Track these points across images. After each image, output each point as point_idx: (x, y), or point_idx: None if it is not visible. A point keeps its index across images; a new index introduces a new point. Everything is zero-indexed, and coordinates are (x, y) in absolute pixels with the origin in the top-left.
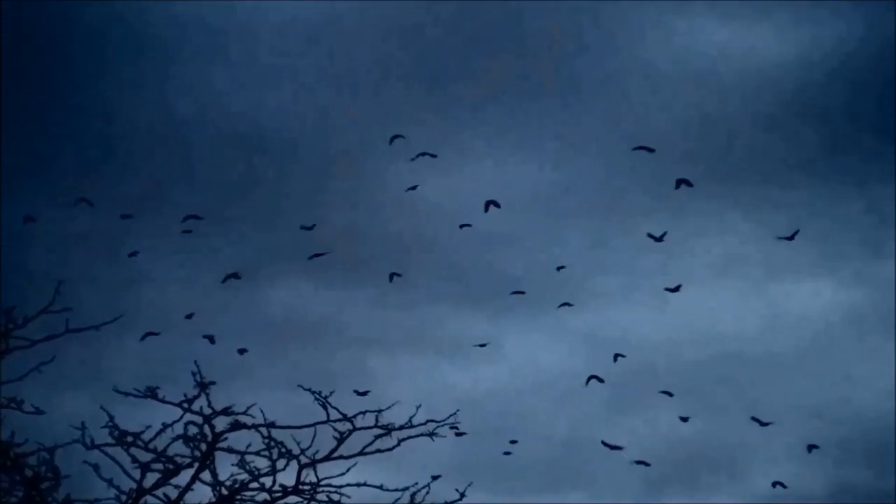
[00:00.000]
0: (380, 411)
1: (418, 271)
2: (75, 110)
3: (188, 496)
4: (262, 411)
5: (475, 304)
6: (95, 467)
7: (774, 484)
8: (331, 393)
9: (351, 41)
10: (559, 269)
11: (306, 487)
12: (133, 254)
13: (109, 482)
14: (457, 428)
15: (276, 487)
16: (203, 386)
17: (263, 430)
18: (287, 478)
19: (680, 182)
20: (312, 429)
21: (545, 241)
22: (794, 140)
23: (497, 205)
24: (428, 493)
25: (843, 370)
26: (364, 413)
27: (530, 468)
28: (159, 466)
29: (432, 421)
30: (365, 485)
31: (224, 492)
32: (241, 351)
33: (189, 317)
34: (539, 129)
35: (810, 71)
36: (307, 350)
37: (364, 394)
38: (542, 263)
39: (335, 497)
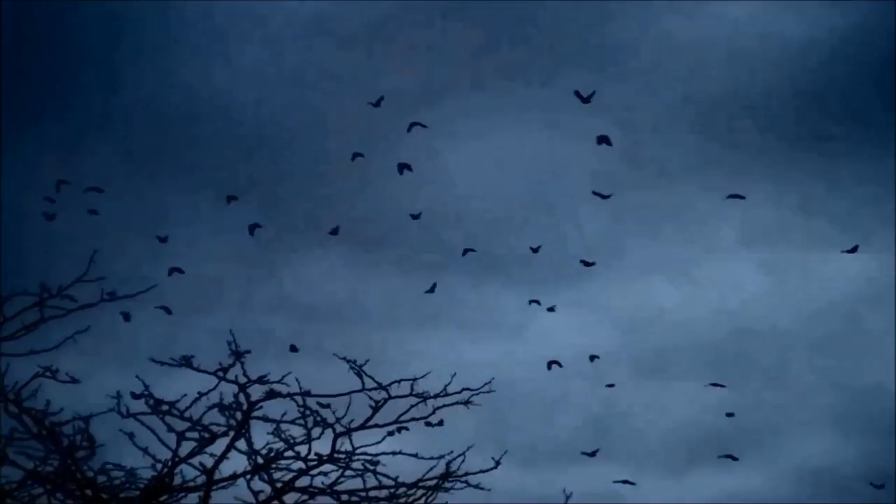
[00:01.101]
0: (415, 380)
1: (439, 251)
2: (76, 100)
3: (223, 465)
4: (297, 380)
5: (496, 282)
6: (131, 436)
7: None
8: (366, 362)
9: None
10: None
11: (342, 456)
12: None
13: (145, 451)
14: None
15: (312, 456)
16: (238, 355)
17: (299, 398)
18: (322, 446)
19: (600, 140)
20: (347, 397)
21: (565, 219)
22: (815, 115)
23: (409, 167)
24: (463, 461)
25: (865, 344)
26: (399, 382)
27: (556, 442)
28: (195, 435)
29: (467, 389)
30: (400, 453)
31: (259, 460)
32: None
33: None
34: (554, 106)
35: (833, 45)
36: (327, 330)
37: (295, 349)
38: (561, 240)
39: (370, 465)
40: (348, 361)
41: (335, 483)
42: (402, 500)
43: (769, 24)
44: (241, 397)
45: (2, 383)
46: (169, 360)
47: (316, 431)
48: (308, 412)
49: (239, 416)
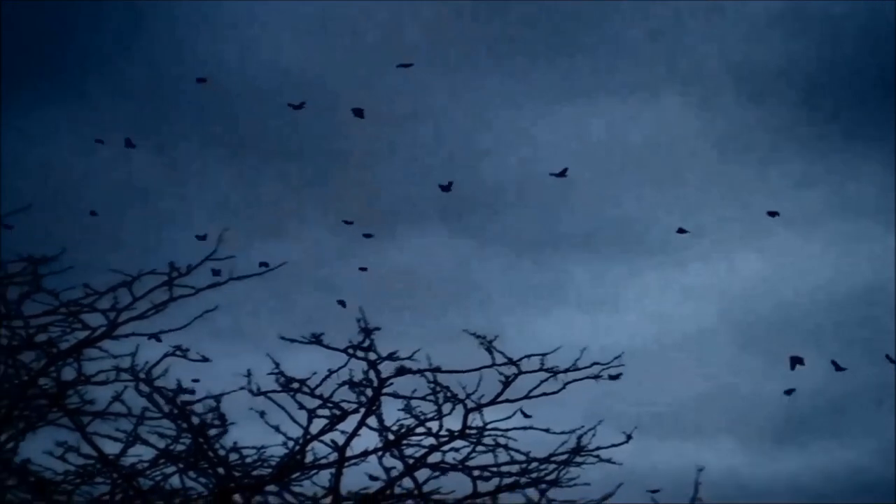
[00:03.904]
0: (545, 354)
1: (533, 224)
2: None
3: (355, 441)
4: (427, 356)
5: (597, 256)
6: (262, 414)
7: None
8: (495, 337)
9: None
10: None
11: (473, 431)
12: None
13: (276, 428)
14: (619, 375)
15: (443, 432)
16: (368, 332)
17: (429, 374)
18: (453, 422)
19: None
20: (478, 373)
21: (651, 192)
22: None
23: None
24: (594, 435)
25: None
26: (529, 357)
27: (662, 416)
28: (326, 413)
29: (597, 364)
30: (531, 428)
31: (390, 437)
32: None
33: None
34: (623, 82)
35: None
36: (430, 304)
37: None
38: (656, 214)
39: (501, 441)
40: (478, 337)
41: (467, 458)
42: (534, 475)
43: None
44: (372, 374)
45: (133, 363)
46: (299, 337)
47: (446, 407)
48: (438, 388)
49: (369, 392)
